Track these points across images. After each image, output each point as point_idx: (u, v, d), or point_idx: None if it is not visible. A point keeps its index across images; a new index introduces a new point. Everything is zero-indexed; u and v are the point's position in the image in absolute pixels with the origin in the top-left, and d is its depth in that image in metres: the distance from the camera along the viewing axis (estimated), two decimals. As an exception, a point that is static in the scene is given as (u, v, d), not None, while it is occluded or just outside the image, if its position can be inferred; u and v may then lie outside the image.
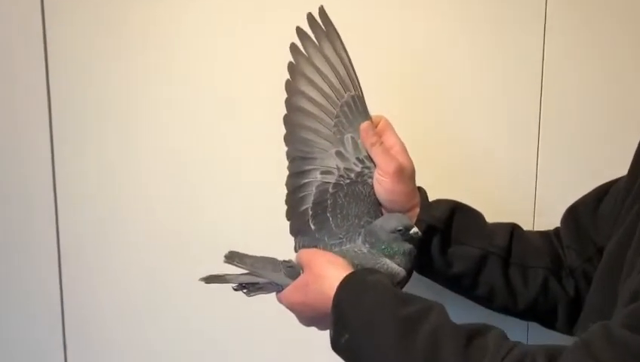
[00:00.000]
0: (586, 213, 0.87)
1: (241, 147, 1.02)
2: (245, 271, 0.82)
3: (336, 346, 0.71)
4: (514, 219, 0.91)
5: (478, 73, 0.99)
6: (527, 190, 1.03)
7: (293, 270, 0.81)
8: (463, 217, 0.87)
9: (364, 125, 0.83)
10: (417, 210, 0.85)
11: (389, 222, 0.80)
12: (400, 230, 0.78)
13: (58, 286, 1.04)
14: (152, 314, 1.06)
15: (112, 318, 1.05)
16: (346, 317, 0.70)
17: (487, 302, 0.89)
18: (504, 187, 1.03)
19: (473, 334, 0.63)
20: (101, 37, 0.97)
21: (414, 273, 0.84)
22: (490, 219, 0.90)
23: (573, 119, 1.01)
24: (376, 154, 0.82)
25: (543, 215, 1.03)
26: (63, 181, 1.01)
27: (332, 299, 0.72)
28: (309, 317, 0.79)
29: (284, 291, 0.81)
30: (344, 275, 0.73)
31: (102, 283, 1.04)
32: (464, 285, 0.88)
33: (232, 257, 0.82)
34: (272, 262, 0.82)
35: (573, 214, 0.88)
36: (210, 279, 0.82)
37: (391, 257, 0.79)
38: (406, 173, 0.83)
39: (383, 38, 0.98)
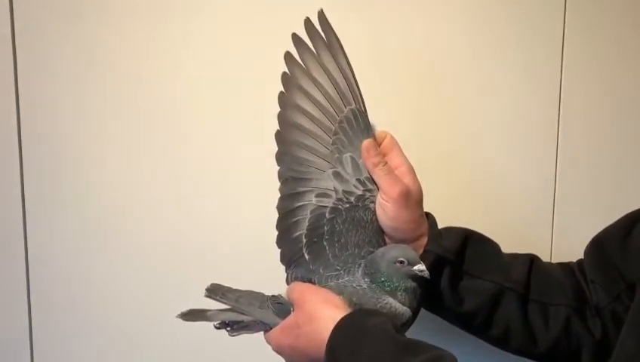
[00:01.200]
0: (613, 244, 0.80)
1: (229, 164, 0.96)
2: (228, 307, 0.77)
3: None
4: (530, 248, 0.87)
5: (494, 95, 0.97)
6: (544, 217, 1.00)
7: (282, 307, 0.75)
8: (477, 247, 0.82)
9: (366, 143, 0.77)
10: (425, 239, 0.79)
11: (390, 251, 0.73)
12: (402, 261, 0.72)
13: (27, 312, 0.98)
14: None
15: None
16: None
17: (502, 343, 0.83)
18: (519, 213, 0.99)
19: None
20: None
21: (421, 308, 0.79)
22: (504, 249, 0.85)
23: (593, 143, 0.98)
24: (380, 175, 0.76)
25: (562, 240, 0.99)
26: (33, 199, 0.96)
27: (325, 344, 0.66)
28: None
29: (272, 331, 0.75)
30: (340, 317, 0.68)
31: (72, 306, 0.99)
32: (477, 324, 0.82)
33: (214, 291, 0.77)
34: (258, 297, 0.77)
35: (599, 246, 0.82)
36: (189, 315, 0.77)
37: (393, 294, 0.72)
38: (412, 198, 0.76)
39: (388, 47, 0.94)
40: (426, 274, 0.72)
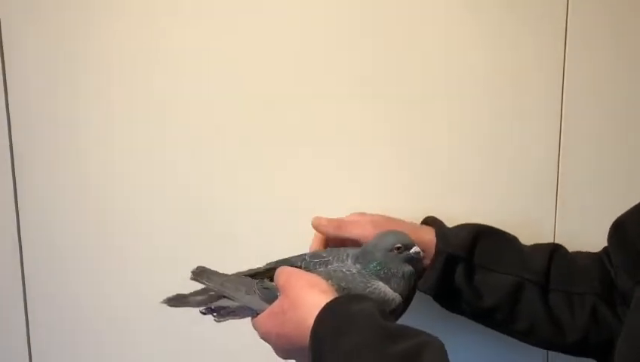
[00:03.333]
0: (634, 226, 0.76)
1: (226, 163, 0.92)
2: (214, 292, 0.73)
3: None
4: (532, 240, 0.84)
5: (496, 89, 0.90)
6: (546, 214, 0.91)
7: (269, 292, 0.71)
8: (490, 241, 0.80)
9: (312, 246, 0.81)
10: (424, 232, 0.79)
11: (385, 239, 0.71)
12: (399, 248, 0.70)
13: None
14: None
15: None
16: (324, 356, 0.61)
17: (529, 336, 0.80)
18: (521, 208, 0.92)
19: None
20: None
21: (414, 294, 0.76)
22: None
23: (596, 130, 0.90)
24: (345, 231, 0.79)
25: (565, 236, 0.91)
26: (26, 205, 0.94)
27: (310, 331, 0.63)
28: (285, 349, 0.69)
29: (259, 317, 0.71)
30: (324, 302, 0.64)
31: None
32: (500, 318, 0.79)
33: (200, 274, 0.74)
34: (245, 282, 0.73)
35: (620, 229, 0.77)
36: (173, 301, 0.74)
37: (386, 280, 0.70)
38: (380, 221, 0.79)
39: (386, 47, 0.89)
40: (422, 254, 0.71)
